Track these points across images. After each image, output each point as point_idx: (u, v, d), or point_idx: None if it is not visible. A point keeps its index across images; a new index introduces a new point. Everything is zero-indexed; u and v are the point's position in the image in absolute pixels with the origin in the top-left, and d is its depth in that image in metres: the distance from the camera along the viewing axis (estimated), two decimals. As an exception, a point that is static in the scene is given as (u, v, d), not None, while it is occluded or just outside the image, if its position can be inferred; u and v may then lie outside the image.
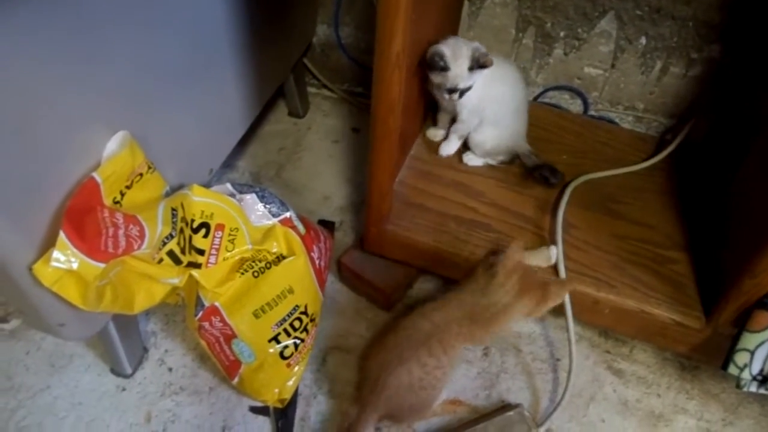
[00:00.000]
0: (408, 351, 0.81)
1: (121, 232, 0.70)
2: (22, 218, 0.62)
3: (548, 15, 1.13)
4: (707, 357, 0.90)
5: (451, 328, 0.81)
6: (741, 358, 0.82)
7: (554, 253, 0.91)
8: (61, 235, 0.64)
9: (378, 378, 0.81)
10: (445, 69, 0.92)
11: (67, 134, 0.66)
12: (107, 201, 0.70)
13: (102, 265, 0.67)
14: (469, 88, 0.95)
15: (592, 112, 1.23)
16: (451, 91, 0.94)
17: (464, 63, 0.91)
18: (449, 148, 1.08)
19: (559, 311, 0.91)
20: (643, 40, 1.10)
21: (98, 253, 0.67)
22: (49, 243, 0.65)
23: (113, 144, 0.73)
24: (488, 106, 0.99)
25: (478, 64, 0.91)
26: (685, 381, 0.98)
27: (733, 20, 1.03)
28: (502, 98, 1.00)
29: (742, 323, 0.81)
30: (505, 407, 0.91)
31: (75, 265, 0.65)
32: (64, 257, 0.64)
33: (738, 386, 0.84)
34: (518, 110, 1.03)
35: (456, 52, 0.91)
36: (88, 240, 0.66)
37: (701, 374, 0.99)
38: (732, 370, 0.82)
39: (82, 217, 0.66)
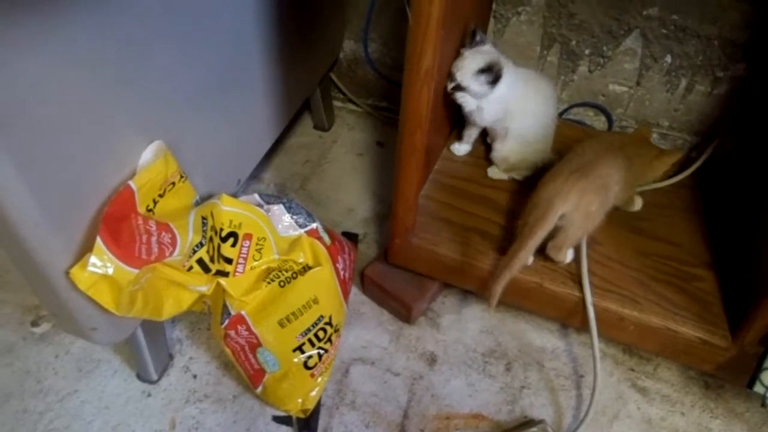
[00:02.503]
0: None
1: (154, 239, 0.72)
2: (62, 223, 0.64)
3: (573, 33, 1.14)
4: (733, 376, 0.89)
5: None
6: (767, 377, 0.81)
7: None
8: (98, 240, 0.65)
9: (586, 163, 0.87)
10: (472, 44, 0.94)
11: (106, 143, 0.68)
12: (141, 209, 0.72)
13: (136, 271, 0.69)
14: (463, 91, 0.94)
15: (616, 129, 1.24)
16: (450, 78, 0.94)
17: (476, 62, 0.92)
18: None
19: (583, 327, 0.91)
20: (669, 58, 1.11)
21: (132, 259, 0.69)
22: (85, 248, 0.67)
23: (148, 153, 0.75)
24: (517, 119, 0.99)
25: (491, 70, 0.91)
26: (709, 399, 0.97)
27: (759, 39, 1.03)
28: (534, 113, 1.00)
29: (769, 342, 0.81)
30: (527, 423, 0.90)
31: (110, 271, 0.66)
32: (101, 262, 0.66)
33: (763, 405, 0.83)
34: (546, 127, 1.03)
35: (481, 52, 0.93)
36: (123, 246, 0.67)
37: (726, 393, 0.98)
38: (758, 388, 0.82)
39: (118, 223, 0.68)
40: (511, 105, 0.98)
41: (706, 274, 0.95)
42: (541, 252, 0.91)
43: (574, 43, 1.15)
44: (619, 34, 1.10)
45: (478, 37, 0.94)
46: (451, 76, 0.94)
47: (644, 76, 1.14)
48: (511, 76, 0.95)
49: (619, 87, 1.18)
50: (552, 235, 0.88)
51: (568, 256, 0.95)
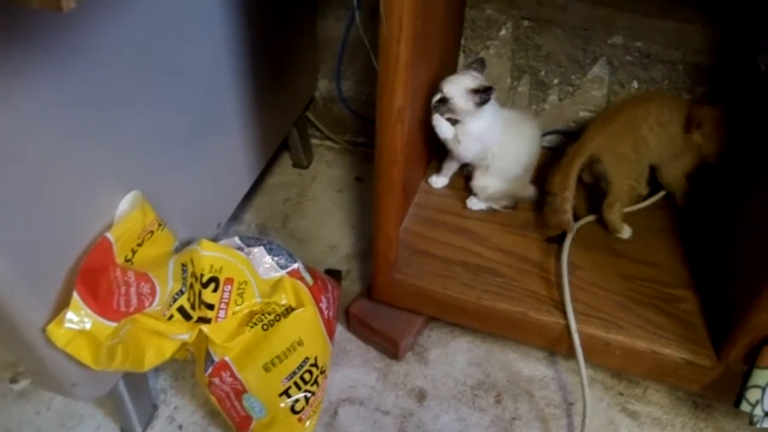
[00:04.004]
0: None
1: (132, 290, 0.71)
2: (37, 280, 0.64)
3: (541, 63, 1.16)
4: (720, 395, 0.89)
5: None
6: (753, 394, 0.81)
7: None
8: (75, 295, 0.65)
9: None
10: (468, 66, 1.00)
11: (81, 197, 0.68)
12: (119, 260, 0.72)
13: (114, 324, 0.68)
14: (447, 104, 0.96)
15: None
16: (437, 90, 0.96)
17: (470, 80, 0.94)
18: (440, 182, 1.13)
19: (570, 354, 0.91)
20: (635, 84, 1.13)
21: (111, 313, 0.68)
22: (62, 303, 0.66)
23: (125, 204, 0.74)
24: (498, 159, 1.01)
25: (483, 92, 0.93)
26: (699, 419, 0.97)
27: (722, 62, 1.06)
28: (516, 154, 1.02)
29: (752, 360, 0.81)
30: (520, 454, 0.90)
31: (88, 326, 0.66)
32: (78, 318, 0.65)
33: (751, 423, 0.83)
34: (528, 165, 1.05)
35: (470, 77, 0.96)
36: (101, 300, 0.67)
37: (715, 412, 0.98)
38: (744, 407, 0.82)
39: (96, 277, 0.67)
40: (492, 146, 1.00)
41: (687, 294, 0.96)
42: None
43: (542, 73, 1.18)
44: (585, 62, 1.13)
45: (476, 64, 1.00)
46: (438, 89, 0.95)
47: (613, 102, 1.17)
48: (491, 115, 0.98)
49: (590, 113, 1.20)
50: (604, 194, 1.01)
51: (626, 230, 1.02)
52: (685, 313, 0.93)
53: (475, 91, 0.93)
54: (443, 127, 0.99)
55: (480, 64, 1.01)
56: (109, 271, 0.69)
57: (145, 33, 0.74)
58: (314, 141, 1.49)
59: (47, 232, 0.64)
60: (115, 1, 0.66)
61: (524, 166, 1.04)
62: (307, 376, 0.86)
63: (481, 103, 0.94)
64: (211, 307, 0.81)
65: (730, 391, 0.85)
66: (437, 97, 0.96)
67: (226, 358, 0.82)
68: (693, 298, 0.95)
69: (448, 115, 0.98)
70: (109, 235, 0.70)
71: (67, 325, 0.64)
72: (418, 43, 0.74)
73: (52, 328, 0.65)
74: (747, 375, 0.82)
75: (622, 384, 1.02)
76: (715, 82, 1.09)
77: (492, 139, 1.00)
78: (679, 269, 1.00)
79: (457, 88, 0.94)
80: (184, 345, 0.81)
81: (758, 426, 0.83)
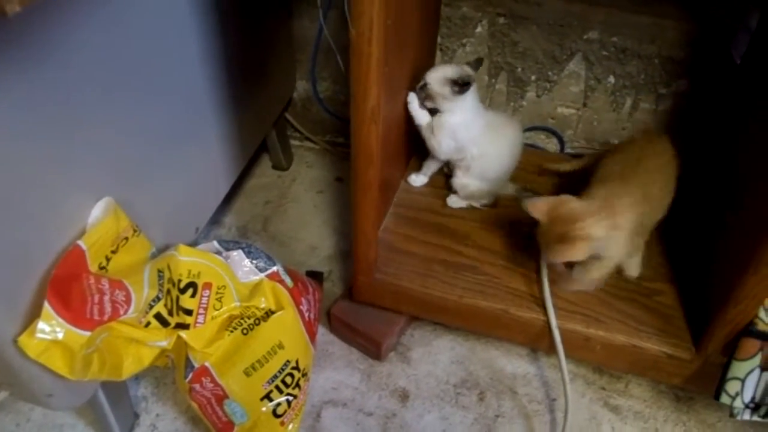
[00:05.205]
0: None
1: (106, 298, 0.70)
2: (7, 291, 0.62)
3: (518, 60, 1.16)
4: (701, 387, 0.90)
5: None
6: (732, 386, 0.82)
7: None
8: (46, 305, 0.63)
9: None
10: (469, 64, 1.00)
11: (52, 204, 0.67)
12: (93, 267, 0.70)
13: (88, 334, 0.67)
14: (426, 93, 0.97)
15: (568, 150, 1.26)
16: (420, 84, 0.97)
17: (446, 71, 0.95)
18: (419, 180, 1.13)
19: (551, 350, 0.91)
20: (612, 79, 1.14)
21: (84, 322, 0.67)
22: (34, 313, 0.65)
23: (98, 211, 0.73)
24: (477, 161, 1.02)
25: (461, 80, 0.94)
26: (681, 413, 0.98)
27: (697, 55, 1.07)
28: (498, 156, 1.03)
29: (730, 352, 0.82)
30: (503, 452, 0.90)
31: (60, 335, 0.64)
32: (50, 328, 0.64)
33: (731, 415, 0.84)
34: (508, 166, 1.05)
35: (455, 68, 0.96)
36: (73, 309, 0.66)
37: (696, 404, 0.99)
38: (724, 399, 0.82)
39: (68, 285, 0.66)
40: (470, 147, 1.00)
41: (666, 288, 0.96)
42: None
43: (519, 70, 1.18)
44: (562, 58, 1.13)
45: (473, 62, 1.01)
46: (420, 81, 0.97)
47: (590, 98, 1.17)
48: (470, 111, 0.98)
49: (567, 109, 1.20)
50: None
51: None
52: (664, 307, 0.93)
53: (453, 82, 0.94)
54: (417, 113, 0.99)
55: (476, 63, 1.01)
56: (81, 279, 0.68)
57: (116, 37, 0.72)
58: (294, 142, 1.48)
59: (16, 241, 0.63)
60: (80, 6, 0.65)
61: (505, 168, 1.05)
62: (288, 380, 0.86)
63: (458, 92, 0.95)
64: (189, 312, 0.80)
65: (710, 384, 0.86)
66: (420, 84, 0.97)
67: (206, 364, 0.81)
68: (672, 292, 0.96)
69: (427, 103, 0.98)
70: (82, 243, 0.69)
71: (39, 335, 0.63)
72: (391, 41, 0.73)
73: (23, 339, 0.63)
74: (726, 367, 0.82)
75: (604, 379, 1.02)
76: (690, 75, 1.10)
77: (467, 138, 0.99)
78: (658, 263, 1.00)
79: (437, 76, 0.95)
80: (163, 352, 0.80)
81: (739, 418, 0.84)
